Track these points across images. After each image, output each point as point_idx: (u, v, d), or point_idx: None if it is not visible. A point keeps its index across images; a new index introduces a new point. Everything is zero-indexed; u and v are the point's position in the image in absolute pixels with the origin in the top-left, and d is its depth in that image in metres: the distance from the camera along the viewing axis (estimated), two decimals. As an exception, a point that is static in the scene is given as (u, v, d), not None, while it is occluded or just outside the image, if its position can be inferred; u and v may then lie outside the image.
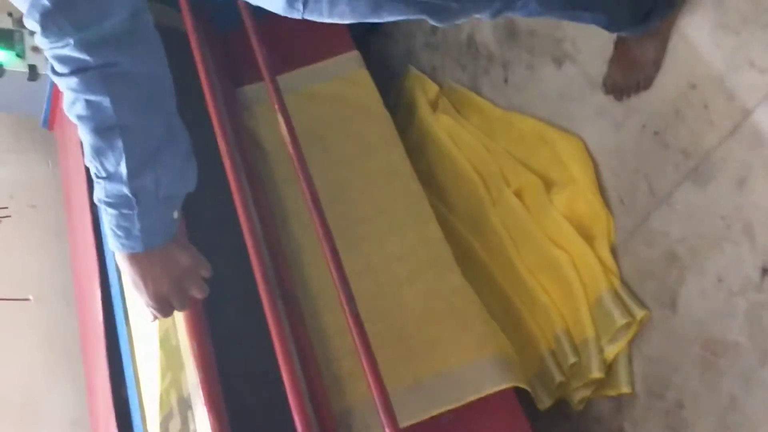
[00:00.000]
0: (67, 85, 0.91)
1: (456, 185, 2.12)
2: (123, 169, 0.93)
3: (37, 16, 0.85)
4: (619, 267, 1.73)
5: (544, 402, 1.80)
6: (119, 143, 0.92)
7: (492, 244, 1.98)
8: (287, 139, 1.74)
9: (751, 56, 1.39)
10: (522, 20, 1.99)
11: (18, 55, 2.33)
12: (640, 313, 1.65)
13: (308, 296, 1.79)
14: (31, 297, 2.29)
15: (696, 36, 1.49)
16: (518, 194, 1.94)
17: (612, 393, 1.73)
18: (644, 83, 1.60)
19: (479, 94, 2.19)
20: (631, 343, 1.70)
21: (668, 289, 1.61)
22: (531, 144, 1.96)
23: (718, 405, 1.50)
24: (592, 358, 1.70)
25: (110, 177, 0.95)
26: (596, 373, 1.69)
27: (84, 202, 2.03)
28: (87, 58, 0.88)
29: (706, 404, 1.53)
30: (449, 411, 1.61)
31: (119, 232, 1.00)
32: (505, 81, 2.09)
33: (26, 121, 2.62)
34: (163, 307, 1.10)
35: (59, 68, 0.90)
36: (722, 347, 1.49)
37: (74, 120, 0.94)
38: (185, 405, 1.50)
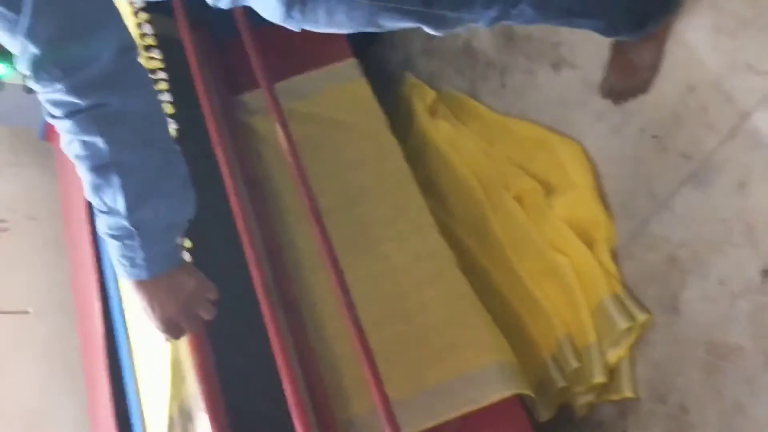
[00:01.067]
0: (62, 127, 0.94)
1: (456, 192, 2.11)
2: (122, 204, 0.96)
3: (27, 63, 0.88)
4: (620, 271, 1.72)
5: (543, 415, 1.79)
6: (116, 179, 0.95)
7: (492, 250, 1.97)
8: (285, 146, 1.74)
9: (749, 59, 1.39)
10: (519, 26, 1.99)
11: (16, 68, 2.33)
12: (642, 318, 1.65)
13: (310, 305, 1.78)
14: (30, 310, 2.27)
15: (693, 39, 1.49)
16: (518, 200, 1.94)
17: (615, 398, 1.72)
18: (642, 87, 1.60)
19: (478, 100, 2.19)
20: (633, 347, 1.69)
21: (670, 293, 1.60)
22: (530, 149, 1.96)
23: (722, 409, 1.50)
24: (594, 362, 1.69)
25: (110, 211, 0.98)
26: (599, 378, 1.69)
27: (82, 214, 2.02)
28: (78, 101, 0.91)
29: (710, 408, 1.52)
30: (454, 419, 1.61)
31: (124, 261, 1.03)
32: (503, 86, 2.09)
33: (24, 134, 2.62)
34: (172, 330, 1.11)
35: (53, 111, 0.93)
36: (725, 350, 1.48)
37: (72, 159, 0.97)
38: (186, 417, 1.50)
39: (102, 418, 1.83)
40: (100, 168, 0.95)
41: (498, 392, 1.61)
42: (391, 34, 2.62)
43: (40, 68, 0.89)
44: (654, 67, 1.57)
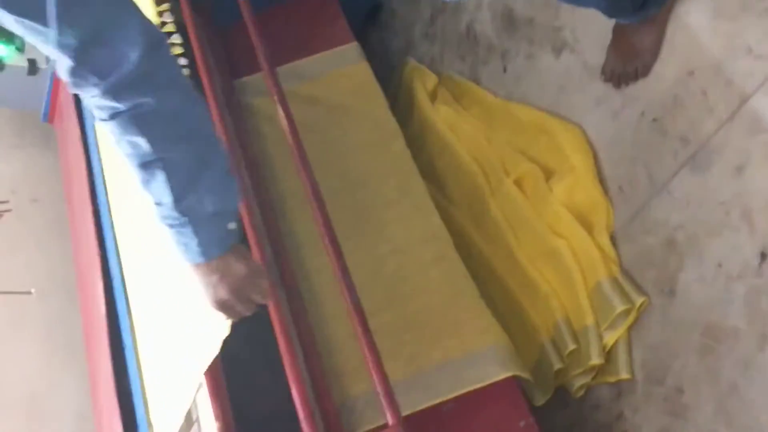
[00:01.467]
0: (107, 129, 1.00)
1: (455, 176, 2.12)
2: (168, 197, 1.03)
3: (65, 73, 0.95)
4: (618, 254, 1.73)
5: (539, 399, 1.81)
6: (160, 174, 1.02)
7: (491, 234, 1.98)
8: (287, 130, 1.75)
9: (749, 42, 1.39)
10: (521, 9, 1.99)
11: (18, 49, 2.33)
12: (639, 300, 1.66)
13: (310, 286, 1.80)
14: (33, 291, 2.29)
15: (694, 23, 1.49)
16: (518, 184, 1.94)
17: (611, 379, 1.73)
18: (642, 71, 1.61)
19: (478, 84, 2.20)
20: (630, 329, 1.71)
21: (667, 276, 1.61)
22: (530, 133, 1.97)
23: (717, 390, 1.51)
24: (591, 344, 1.71)
25: (161, 203, 1.05)
26: (596, 360, 1.70)
27: (85, 195, 2.03)
28: (116, 104, 0.96)
29: (705, 390, 1.54)
30: (451, 399, 1.62)
31: (180, 247, 1.09)
32: (504, 70, 2.09)
33: (27, 116, 2.63)
34: (226, 310, 1.16)
35: (98, 114, 0.99)
36: (721, 333, 1.50)
37: (123, 158, 1.03)
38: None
39: (104, 397, 1.84)
40: (145, 164, 1.01)
41: (495, 374, 1.63)
42: (393, 18, 2.63)
43: (76, 75, 0.94)
44: (654, 51, 1.57)
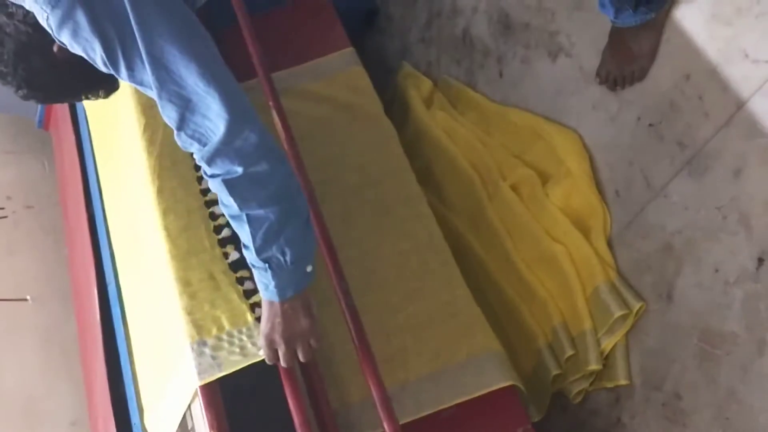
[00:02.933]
0: (210, 185, 1.16)
1: (452, 181, 2.11)
2: (252, 246, 1.17)
3: (175, 135, 1.12)
4: (615, 259, 1.73)
5: (534, 415, 1.80)
6: (246, 227, 1.16)
7: (489, 239, 1.98)
8: (282, 136, 1.74)
9: (745, 47, 1.39)
10: (516, 14, 1.99)
11: None
12: (636, 305, 1.65)
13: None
14: (28, 297, 2.28)
15: (690, 27, 1.49)
16: (514, 188, 1.94)
17: (609, 385, 1.73)
18: (639, 74, 1.60)
19: (474, 88, 2.19)
20: (628, 334, 1.70)
21: (665, 281, 1.61)
22: (527, 138, 1.96)
23: (716, 396, 1.50)
24: (589, 350, 1.70)
25: (247, 248, 1.19)
26: (593, 365, 1.70)
27: (80, 202, 2.02)
28: (208, 169, 1.13)
29: (703, 395, 1.53)
30: (449, 407, 1.61)
31: (261, 285, 1.24)
32: (500, 75, 2.09)
33: (22, 122, 2.62)
34: (269, 351, 1.30)
35: (204, 171, 1.14)
36: (719, 338, 1.49)
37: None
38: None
39: (99, 403, 1.83)
40: (235, 217, 1.16)
41: (494, 382, 1.62)
42: (389, 23, 2.62)
43: (181, 139, 1.12)
44: (651, 55, 1.57)
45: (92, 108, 2.01)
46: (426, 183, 2.08)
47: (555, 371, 1.76)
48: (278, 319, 1.24)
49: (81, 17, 1.05)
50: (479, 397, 1.60)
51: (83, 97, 1.33)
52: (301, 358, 1.29)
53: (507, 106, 2.05)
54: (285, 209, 1.15)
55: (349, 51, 2.22)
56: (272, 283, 1.20)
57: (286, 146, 1.73)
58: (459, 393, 1.61)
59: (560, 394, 1.84)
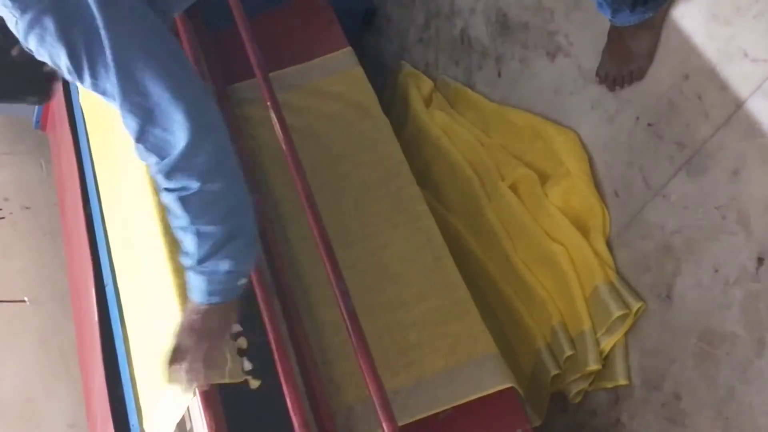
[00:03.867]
0: (162, 198, 1.16)
1: (451, 181, 2.11)
2: (194, 255, 1.18)
3: (133, 147, 1.12)
4: (614, 259, 1.73)
5: (534, 420, 1.80)
6: (192, 238, 1.17)
7: (488, 239, 1.97)
8: (280, 136, 1.74)
9: (744, 46, 1.38)
10: (514, 14, 1.99)
11: None
12: (636, 305, 1.65)
13: (304, 293, 1.78)
14: (26, 299, 2.28)
15: (689, 26, 1.49)
16: (513, 188, 1.94)
17: (609, 385, 1.73)
18: (638, 74, 1.60)
19: (473, 88, 2.19)
20: (627, 335, 1.70)
21: (664, 281, 1.61)
22: (525, 138, 1.96)
23: (715, 396, 1.50)
24: (588, 350, 1.70)
25: (187, 255, 1.19)
26: (593, 365, 1.69)
27: (77, 203, 2.02)
28: (166, 183, 1.12)
29: (703, 395, 1.53)
30: (447, 409, 1.61)
31: (190, 285, 1.23)
32: (499, 75, 2.09)
33: (19, 123, 2.62)
34: (177, 356, 1.26)
35: (159, 184, 1.14)
36: (719, 338, 1.49)
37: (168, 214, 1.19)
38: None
39: (97, 405, 1.83)
40: (183, 228, 1.17)
41: (493, 383, 1.61)
42: (387, 23, 2.62)
43: (139, 150, 1.11)
44: (649, 55, 1.57)
45: (89, 109, 2.01)
46: (424, 183, 2.08)
47: (554, 371, 1.75)
48: (195, 316, 1.24)
49: (49, 23, 1.05)
50: (478, 399, 1.60)
51: (16, 100, 1.37)
52: (198, 380, 1.28)
53: (506, 106, 2.05)
54: (234, 227, 1.17)
55: (348, 51, 2.22)
56: (203, 287, 1.22)
57: (283, 146, 1.73)
58: (457, 395, 1.61)
59: (559, 394, 1.84)
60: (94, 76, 1.07)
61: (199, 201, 1.13)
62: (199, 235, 1.16)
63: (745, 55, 1.38)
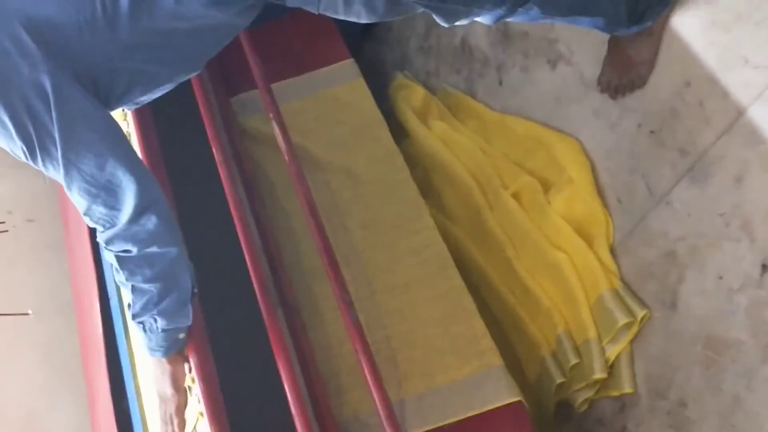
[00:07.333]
0: (104, 253, 1.30)
1: (451, 190, 2.11)
2: (131, 309, 1.30)
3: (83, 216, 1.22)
4: (618, 267, 1.73)
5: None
6: (129, 294, 1.29)
7: (491, 248, 1.97)
8: (283, 147, 1.74)
9: (745, 53, 1.39)
10: (515, 23, 1.99)
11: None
12: (640, 313, 1.65)
13: (309, 304, 1.78)
14: (30, 312, 2.28)
15: (689, 34, 1.49)
16: (516, 197, 1.94)
17: (614, 393, 1.72)
18: (639, 82, 1.60)
19: (474, 97, 2.19)
20: (632, 343, 1.69)
21: (668, 288, 1.60)
22: (527, 146, 1.96)
23: (721, 403, 1.50)
24: (594, 358, 1.69)
25: (128, 307, 1.32)
26: (599, 374, 1.69)
27: (81, 215, 2.02)
28: (107, 246, 1.24)
29: (709, 403, 1.53)
30: (452, 423, 1.60)
31: (137, 340, 1.40)
32: (500, 83, 2.09)
33: (22, 136, 2.61)
34: (162, 405, 1.43)
35: (100, 242, 1.25)
36: (724, 345, 1.49)
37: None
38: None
39: (102, 417, 1.83)
40: (122, 283, 1.28)
41: (497, 398, 1.60)
42: (388, 32, 2.62)
43: (85, 219, 1.22)
44: (651, 62, 1.57)
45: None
46: (426, 194, 2.08)
47: (559, 380, 1.75)
48: (158, 371, 1.40)
49: (3, 115, 1.11)
50: (484, 412, 1.59)
51: None
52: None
53: (507, 114, 2.05)
54: (167, 286, 1.27)
55: (349, 62, 2.23)
56: (143, 341, 1.35)
57: (287, 158, 1.73)
58: (463, 409, 1.60)
59: (565, 403, 1.83)
60: (45, 166, 1.16)
61: (136, 261, 1.23)
62: (134, 291, 1.27)
63: (746, 62, 1.38)
